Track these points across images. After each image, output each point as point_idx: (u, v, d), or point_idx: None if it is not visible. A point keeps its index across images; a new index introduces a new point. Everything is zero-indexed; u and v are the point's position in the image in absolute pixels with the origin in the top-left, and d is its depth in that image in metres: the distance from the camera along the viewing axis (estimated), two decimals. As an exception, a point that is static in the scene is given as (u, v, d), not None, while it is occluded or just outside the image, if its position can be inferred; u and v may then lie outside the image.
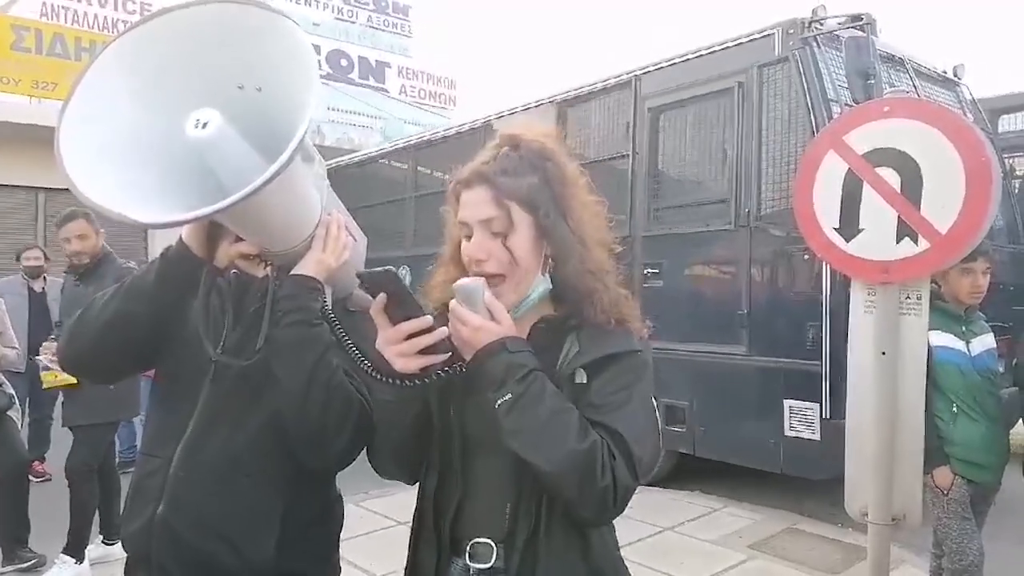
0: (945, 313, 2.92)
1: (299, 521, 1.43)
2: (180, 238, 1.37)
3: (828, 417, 4.21)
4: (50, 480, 5.29)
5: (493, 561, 1.19)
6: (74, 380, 3.57)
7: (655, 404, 5.14)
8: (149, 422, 1.58)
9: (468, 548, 1.21)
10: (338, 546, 1.58)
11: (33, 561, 3.82)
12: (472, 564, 1.21)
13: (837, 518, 4.41)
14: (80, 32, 13.31)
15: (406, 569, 1.32)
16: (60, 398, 4.18)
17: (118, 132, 1.17)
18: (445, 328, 1.15)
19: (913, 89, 5.03)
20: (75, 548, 3.77)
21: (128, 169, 1.16)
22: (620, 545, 1.31)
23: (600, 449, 1.10)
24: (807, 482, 4.80)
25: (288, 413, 1.31)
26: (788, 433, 4.46)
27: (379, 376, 1.17)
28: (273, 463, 1.39)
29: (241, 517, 1.38)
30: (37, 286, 5.80)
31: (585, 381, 1.17)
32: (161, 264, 1.37)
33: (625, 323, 1.24)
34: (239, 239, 1.36)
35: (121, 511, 1.60)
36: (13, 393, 3.95)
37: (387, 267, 1.11)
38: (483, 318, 1.14)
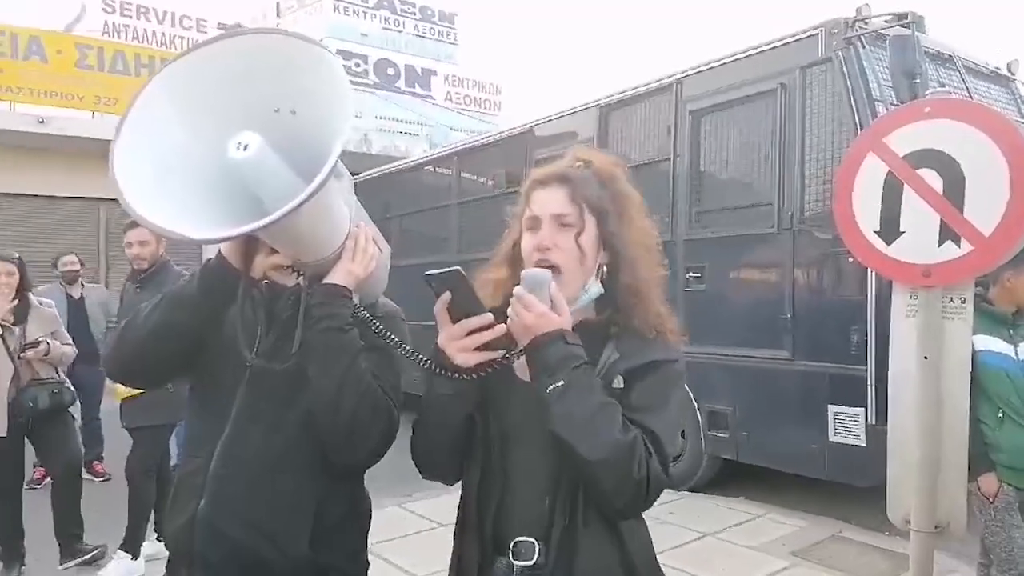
0: (991, 316, 2.86)
1: (331, 517, 1.50)
2: (219, 251, 1.45)
3: (874, 422, 4.13)
4: (110, 480, 5.51)
5: (536, 558, 1.24)
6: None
7: (696, 408, 5.12)
8: (189, 425, 1.68)
9: (512, 546, 1.26)
10: (367, 542, 1.65)
11: (94, 552, 3.99)
12: (516, 562, 1.26)
13: (885, 526, 4.29)
14: (140, 49, 13.85)
15: (451, 565, 1.38)
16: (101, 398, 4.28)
17: (167, 155, 1.26)
18: (503, 325, 1.23)
19: (963, 86, 4.91)
20: (132, 544, 3.93)
21: (177, 189, 1.25)
22: (661, 550, 1.36)
23: (640, 443, 1.17)
24: (854, 489, 4.70)
25: (321, 414, 1.39)
26: (833, 439, 4.39)
27: (440, 370, 1.25)
28: (306, 461, 1.46)
29: (278, 512, 1.45)
30: (75, 292, 5.96)
31: (623, 387, 1.24)
32: (202, 276, 1.45)
33: (664, 334, 1.32)
34: (273, 251, 1.44)
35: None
36: (75, 391, 4.13)
37: (455, 267, 1.20)
38: (547, 307, 1.20)
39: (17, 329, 3.90)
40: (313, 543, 1.46)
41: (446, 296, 1.21)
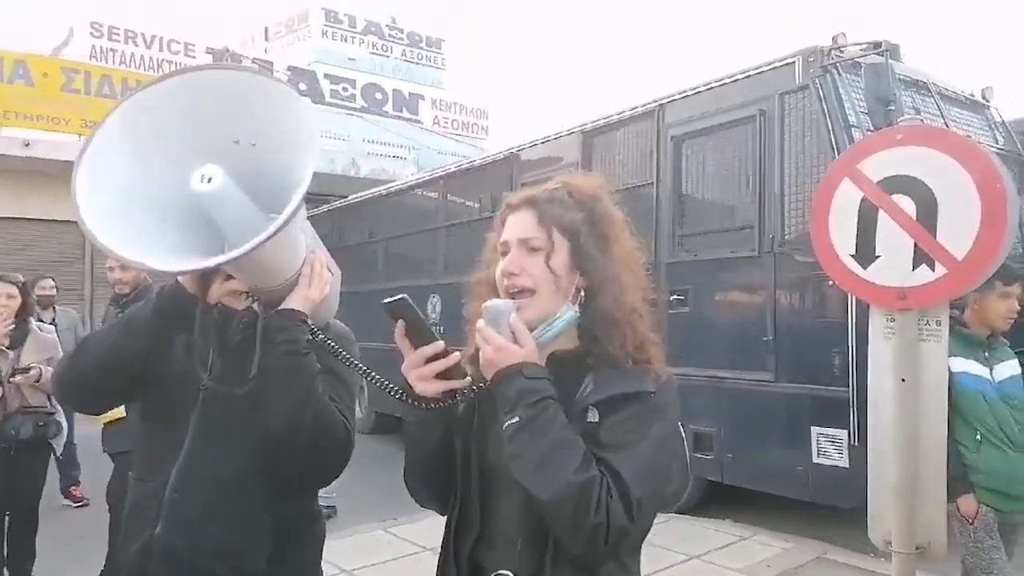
0: (967, 339, 2.90)
1: (287, 535, 1.52)
2: (176, 278, 1.46)
3: (856, 444, 4.15)
4: (88, 505, 5.43)
5: None
6: (123, 413, 3.69)
7: (682, 438, 5.09)
8: (139, 449, 1.66)
9: None
10: (320, 558, 1.67)
11: None
12: None
13: (869, 547, 4.28)
14: (127, 73, 13.89)
15: None
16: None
17: (128, 185, 1.28)
18: (458, 354, 1.21)
19: (939, 113, 5.01)
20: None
21: (139, 219, 1.27)
22: (646, 573, 1.30)
23: (598, 485, 1.09)
24: (839, 510, 4.72)
25: (279, 435, 1.41)
26: (816, 460, 4.41)
27: (405, 398, 1.23)
28: (262, 481, 1.48)
29: (235, 533, 1.47)
30: (47, 316, 5.84)
31: (596, 420, 1.17)
32: (158, 302, 1.46)
33: (646, 364, 1.25)
34: (229, 277, 1.45)
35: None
36: (62, 423, 4.06)
37: (401, 295, 1.18)
38: (506, 340, 1.17)
39: (11, 353, 3.83)
40: (270, 561, 1.48)
41: (401, 324, 1.19)
